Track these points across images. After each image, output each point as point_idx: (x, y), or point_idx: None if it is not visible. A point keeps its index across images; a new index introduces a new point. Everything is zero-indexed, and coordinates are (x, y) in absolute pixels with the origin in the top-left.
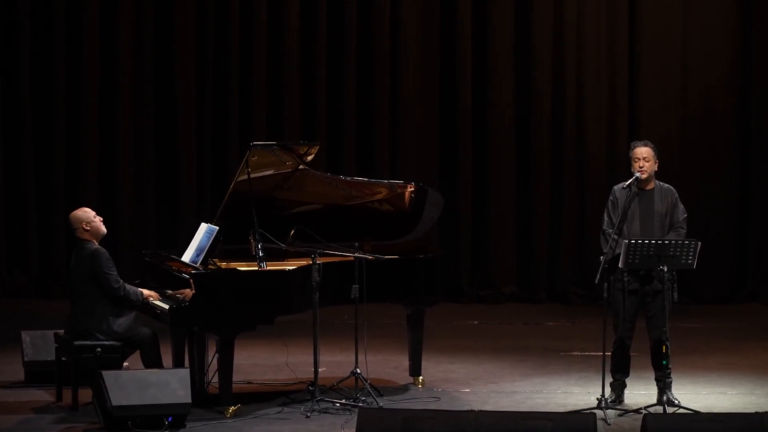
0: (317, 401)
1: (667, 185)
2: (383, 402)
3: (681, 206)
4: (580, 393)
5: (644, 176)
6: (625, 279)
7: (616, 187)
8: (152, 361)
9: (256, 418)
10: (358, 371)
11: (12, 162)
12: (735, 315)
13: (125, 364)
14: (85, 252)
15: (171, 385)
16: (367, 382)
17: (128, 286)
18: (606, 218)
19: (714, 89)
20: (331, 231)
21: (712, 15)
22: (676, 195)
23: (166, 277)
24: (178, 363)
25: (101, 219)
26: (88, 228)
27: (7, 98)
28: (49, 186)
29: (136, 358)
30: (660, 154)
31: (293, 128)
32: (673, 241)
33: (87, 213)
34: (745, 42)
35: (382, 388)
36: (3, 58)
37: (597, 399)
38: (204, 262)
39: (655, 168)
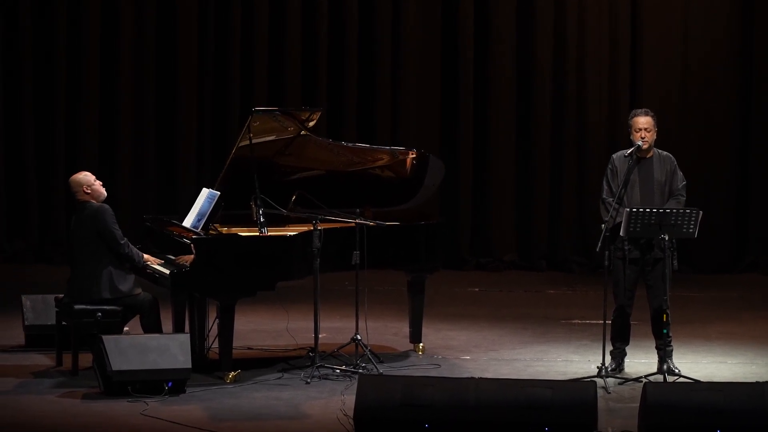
0: (317, 367)
1: (665, 153)
2: (383, 369)
3: (680, 173)
4: (580, 361)
5: (646, 146)
6: (626, 248)
7: (614, 156)
8: (152, 326)
9: (255, 383)
10: (359, 337)
11: (12, 128)
12: (735, 285)
13: (125, 328)
14: (87, 211)
15: (171, 350)
16: (367, 348)
17: (132, 246)
18: (605, 187)
19: (715, 55)
20: (333, 197)
21: None
22: (675, 162)
23: (167, 242)
24: (178, 328)
25: (101, 183)
26: (89, 191)
27: (8, 66)
28: (49, 152)
29: (136, 323)
30: (661, 122)
31: (295, 94)
32: (674, 210)
33: (87, 176)
34: (747, 7)
35: (382, 355)
36: (3, 24)
37: (597, 367)
38: (205, 228)
39: (655, 137)
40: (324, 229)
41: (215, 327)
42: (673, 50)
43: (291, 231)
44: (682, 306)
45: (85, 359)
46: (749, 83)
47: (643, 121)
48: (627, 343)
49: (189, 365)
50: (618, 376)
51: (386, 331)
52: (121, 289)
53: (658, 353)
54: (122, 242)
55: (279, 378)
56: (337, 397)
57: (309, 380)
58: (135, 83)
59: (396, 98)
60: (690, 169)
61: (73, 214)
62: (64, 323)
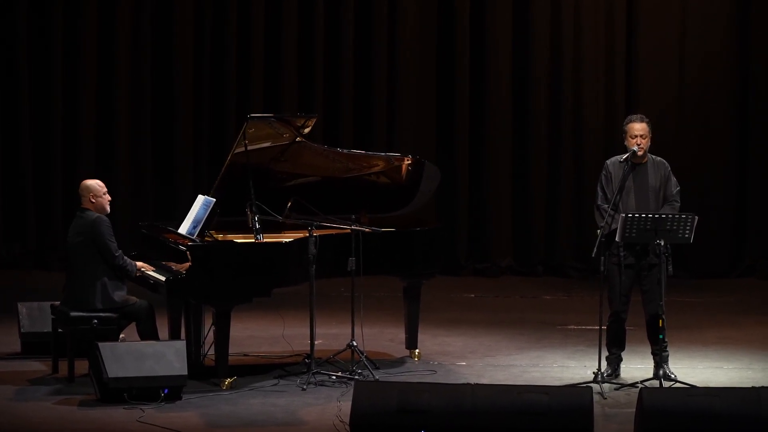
0: (313, 374)
1: (659, 158)
2: (379, 375)
3: (674, 179)
4: (576, 367)
5: (641, 152)
6: (622, 253)
7: (609, 162)
8: (148, 333)
9: (251, 390)
10: (355, 344)
11: (9, 133)
12: (732, 289)
13: (121, 335)
14: (85, 219)
15: (167, 357)
16: (363, 354)
17: (126, 257)
18: (600, 193)
19: (712, 60)
20: (328, 203)
21: None
22: (669, 168)
23: (163, 249)
24: (174, 335)
25: (110, 199)
26: (94, 201)
27: (4, 69)
28: (46, 157)
29: (132, 329)
30: (658, 127)
31: (290, 100)
32: (670, 215)
33: (99, 186)
34: (743, 10)
35: (378, 361)
36: (0, 25)
37: (593, 373)
38: (201, 234)
39: (649, 143)
40: (320, 235)
41: (211, 334)
42: (669, 55)
43: (287, 237)
44: (678, 311)
45: (82, 366)
46: (746, 88)
47: (639, 128)
48: (623, 349)
49: (185, 372)
50: (614, 381)
51: (382, 337)
52: (114, 300)
53: (654, 358)
54: (117, 254)
55: (275, 384)
56: (334, 404)
57: (305, 387)
58: (132, 89)
59: (392, 104)
60: (687, 174)
61: (73, 219)
62: (60, 330)
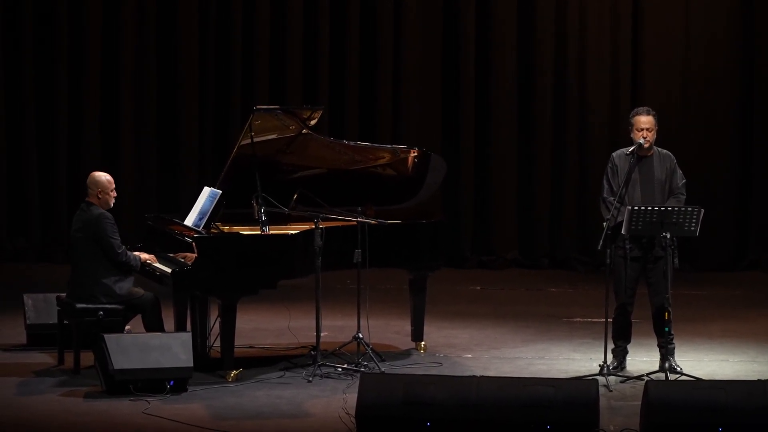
0: (319, 366)
1: (665, 151)
2: (385, 367)
3: (679, 171)
4: (582, 359)
5: (647, 145)
6: (627, 246)
7: (614, 154)
8: (154, 325)
9: (257, 382)
10: (360, 336)
11: (13, 126)
12: (737, 283)
13: (127, 327)
14: (89, 215)
15: (173, 349)
16: (369, 347)
17: (129, 253)
18: (606, 185)
19: (716, 54)
20: (334, 195)
21: None
22: (675, 160)
23: (169, 241)
24: (180, 327)
25: (115, 195)
26: (100, 197)
27: (8, 60)
28: (51, 151)
29: (137, 321)
30: (662, 121)
31: (296, 92)
32: (676, 208)
33: (108, 183)
34: (747, 4)
35: (383, 353)
36: (4, 23)
37: (599, 365)
38: (207, 226)
39: (655, 135)
40: (326, 227)
41: (217, 325)
42: (674, 49)
43: (293, 229)
44: (683, 304)
45: (87, 358)
46: (750, 81)
47: (645, 120)
48: (628, 341)
49: (191, 364)
50: (620, 374)
51: (388, 329)
52: (119, 294)
53: (659, 351)
54: (119, 251)
55: (281, 376)
56: (339, 396)
57: (311, 379)
58: (137, 81)
59: (397, 96)
60: (691, 168)
61: (77, 211)
62: (65, 322)
